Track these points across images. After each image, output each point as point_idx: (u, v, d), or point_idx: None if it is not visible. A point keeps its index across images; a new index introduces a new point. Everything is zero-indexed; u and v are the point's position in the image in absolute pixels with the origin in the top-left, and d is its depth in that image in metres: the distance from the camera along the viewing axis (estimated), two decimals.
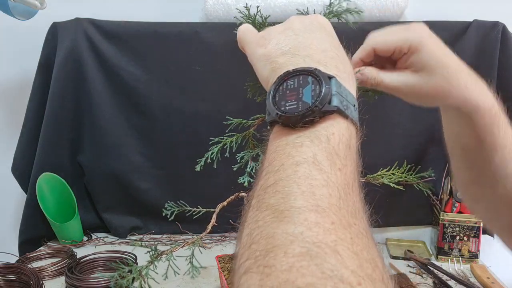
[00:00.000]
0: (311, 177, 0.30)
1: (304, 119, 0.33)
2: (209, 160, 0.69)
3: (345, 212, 0.29)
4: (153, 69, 1.19)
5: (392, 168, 0.77)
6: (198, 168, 0.68)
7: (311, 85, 0.34)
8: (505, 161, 0.52)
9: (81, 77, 1.17)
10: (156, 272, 0.66)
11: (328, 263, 0.25)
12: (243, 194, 0.74)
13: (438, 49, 0.50)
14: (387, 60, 0.52)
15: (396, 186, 0.74)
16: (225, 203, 0.76)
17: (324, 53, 0.38)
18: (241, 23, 0.54)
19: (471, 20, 1.16)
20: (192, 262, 0.71)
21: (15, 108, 1.28)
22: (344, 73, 0.37)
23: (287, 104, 0.34)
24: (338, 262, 0.25)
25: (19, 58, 1.27)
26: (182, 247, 0.69)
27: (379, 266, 0.27)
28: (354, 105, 0.35)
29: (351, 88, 0.36)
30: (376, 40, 0.52)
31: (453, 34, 1.14)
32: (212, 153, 0.65)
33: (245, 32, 0.45)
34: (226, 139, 0.61)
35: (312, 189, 0.29)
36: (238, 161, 0.70)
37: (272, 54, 0.39)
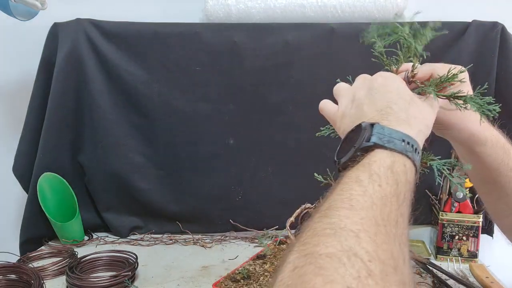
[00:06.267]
0: (352, 190, 0.40)
1: (352, 158, 0.44)
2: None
3: (376, 213, 0.37)
4: (153, 69, 1.19)
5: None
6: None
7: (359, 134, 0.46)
8: None
9: (82, 78, 1.17)
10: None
11: (348, 242, 0.34)
12: (309, 205, 0.74)
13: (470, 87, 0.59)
14: None
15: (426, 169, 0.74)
16: (292, 218, 0.77)
17: (382, 110, 0.49)
18: None
19: (470, 20, 1.16)
20: None
21: (16, 108, 1.29)
22: (397, 120, 0.47)
23: (342, 154, 0.46)
24: (356, 243, 0.33)
25: (20, 58, 1.28)
26: None
27: (395, 257, 0.34)
28: (403, 140, 0.44)
29: (407, 128, 0.46)
30: (435, 65, 0.59)
31: (452, 34, 1.15)
32: None
33: (325, 105, 0.58)
34: None
35: (350, 197, 0.39)
36: None
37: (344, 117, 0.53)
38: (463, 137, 0.61)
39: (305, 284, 0.31)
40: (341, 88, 0.57)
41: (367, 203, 0.38)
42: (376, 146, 0.43)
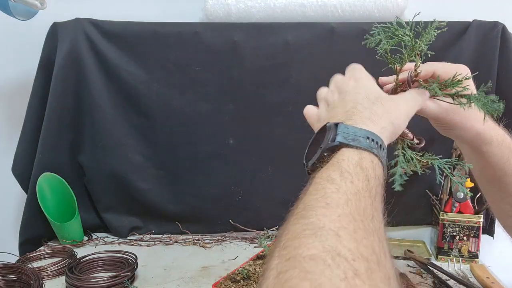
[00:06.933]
0: (325, 188, 0.40)
1: (319, 160, 0.45)
2: None
3: (352, 209, 0.37)
4: (153, 69, 1.19)
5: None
6: None
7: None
8: None
9: (81, 77, 1.17)
10: None
11: (330, 241, 0.33)
12: None
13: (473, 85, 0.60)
14: None
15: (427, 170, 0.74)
16: None
17: (348, 111, 0.50)
18: None
19: (471, 20, 1.16)
20: None
21: (15, 108, 1.28)
22: (361, 118, 0.48)
23: (310, 155, 0.47)
24: (338, 242, 0.33)
25: (19, 58, 1.27)
26: None
27: (376, 252, 0.34)
28: (367, 137, 0.45)
29: (370, 125, 0.47)
30: (436, 64, 0.59)
31: (453, 34, 1.15)
32: None
33: (308, 110, 0.60)
34: None
35: (325, 195, 0.39)
36: None
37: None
38: (469, 137, 0.61)
39: None
40: (321, 92, 0.59)
41: (342, 199, 0.38)
42: (342, 145, 0.44)
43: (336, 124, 0.46)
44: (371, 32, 0.59)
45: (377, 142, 0.45)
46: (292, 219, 0.39)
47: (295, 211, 0.40)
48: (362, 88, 0.53)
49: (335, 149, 0.44)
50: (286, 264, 0.33)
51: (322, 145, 0.45)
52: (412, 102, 0.55)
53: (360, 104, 0.50)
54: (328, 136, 0.45)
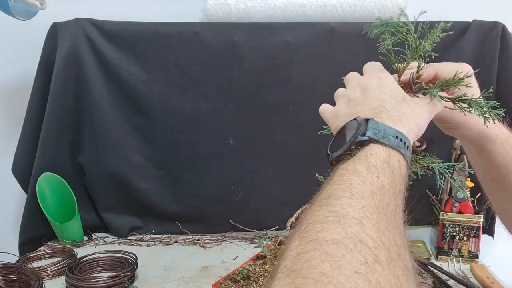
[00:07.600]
0: (351, 180, 0.41)
1: (346, 152, 0.45)
2: None
3: (376, 202, 0.38)
4: (153, 69, 1.19)
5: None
6: None
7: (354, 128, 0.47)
8: None
9: (81, 77, 1.17)
10: None
11: (353, 229, 0.34)
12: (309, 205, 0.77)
13: (477, 85, 0.60)
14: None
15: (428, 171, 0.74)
16: (293, 218, 0.79)
17: (375, 108, 0.50)
18: None
19: (471, 20, 1.16)
20: None
21: (15, 108, 1.28)
22: (390, 117, 0.48)
23: (336, 147, 0.47)
24: (361, 230, 0.34)
25: (19, 58, 1.27)
26: None
27: (398, 244, 0.35)
28: (396, 136, 0.45)
29: (399, 126, 0.47)
30: (437, 65, 0.59)
31: (453, 34, 1.15)
32: None
33: (324, 107, 0.60)
34: None
35: (350, 186, 0.40)
36: None
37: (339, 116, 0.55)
38: (473, 135, 0.61)
39: (312, 269, 0.31)
40: (339, 91, 0.60)
41: (367, 192, 0.39)
42: (371, 140, 0.45)
43: (367, 120, 0.46)
44: (373, 23, 0.59)
45: (404, 143, 0.46)
46: (314, 206, 0.39)
47: (317, 199, 0.41)
48: (386, 87, 0.53)
49: (363, 143, 0.45)
50: (307, 246, 0.33)
51: (352, 138, 0.45)
52: (432, 107, 0.54)
53: (388, 103, 0.50)
54: (358, 130, 0.46)
